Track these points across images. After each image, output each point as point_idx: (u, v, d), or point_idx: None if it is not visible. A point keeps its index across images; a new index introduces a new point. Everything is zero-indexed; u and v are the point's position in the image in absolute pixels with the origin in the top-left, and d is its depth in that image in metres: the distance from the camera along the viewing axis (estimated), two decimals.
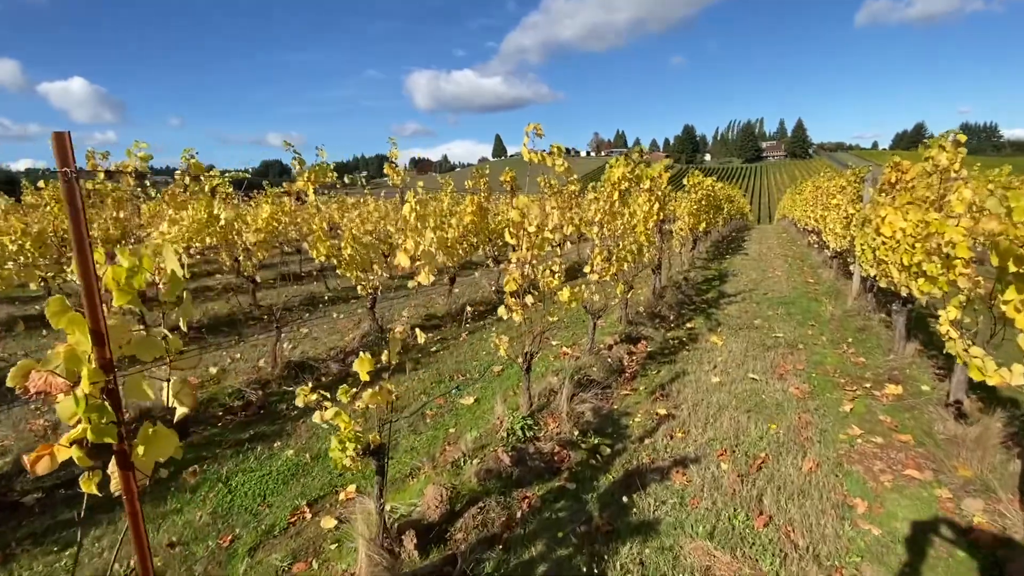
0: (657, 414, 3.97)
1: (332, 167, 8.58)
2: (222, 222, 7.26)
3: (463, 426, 3.84)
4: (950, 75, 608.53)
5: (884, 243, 5.15)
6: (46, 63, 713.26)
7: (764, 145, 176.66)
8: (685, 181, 10.75)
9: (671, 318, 7.05)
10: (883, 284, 5.04)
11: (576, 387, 4.31)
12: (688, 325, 6.67)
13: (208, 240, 7.55)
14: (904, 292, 4.67)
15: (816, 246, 12.38)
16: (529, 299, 3.53)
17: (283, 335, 6.69)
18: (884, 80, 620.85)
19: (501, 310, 3.51)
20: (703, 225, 11.84)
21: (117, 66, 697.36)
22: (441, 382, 4.78)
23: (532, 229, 3.51)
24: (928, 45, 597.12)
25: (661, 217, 7.80)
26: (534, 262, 3.51)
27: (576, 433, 3.56)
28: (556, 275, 3.76)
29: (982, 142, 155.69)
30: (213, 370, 5.25)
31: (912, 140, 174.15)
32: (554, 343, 5.95)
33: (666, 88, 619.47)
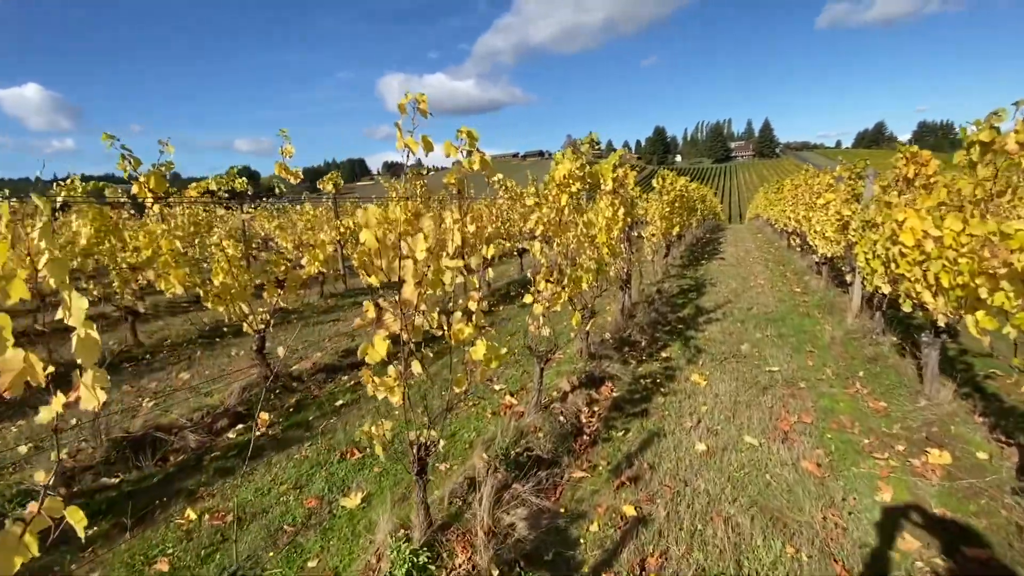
0: (622, 516, 2.74)
1: (236, 170, 7.17)
2: (83, 242, 5.82)
3: (330, 555, 2.54)
4: (907, 75, 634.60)
5: (903, 254, 4.07)
6: None
7: (733, 145, 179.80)
8: (655, 182, 9.68)
9: (643, 344, 5.88)
10: (907, 308, 3.94)
11: (511, 470, 3.06)
12: (663, 354, 5.50)
13: (78, 263, 6.09)
14: (943, 321, 3.56)
15: (799, 249, 11.47)
16: (416, 367, 2.26)
17: (156, 382, 5.27)
18: (845, 80, 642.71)
19: (369, 386, 2.23)
20: (677, 229, 10.79)
21: (74, 72, 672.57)
22: (327, 464, 3.45)
23: (421, 255, 2.25)
24: (886, 46, 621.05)
25: (628, 223, 6.67)
26: (423, 307, 2.24)
27: (496, 574, 2.30)
28: (470, 320, 2.50)
29: (939, 139, 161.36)
30: (24, 449, 3.82)
31: (873, 139, 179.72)
32: (497, 388, 4.70)
33: (637, 90, 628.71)
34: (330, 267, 5.35)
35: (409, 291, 2.25)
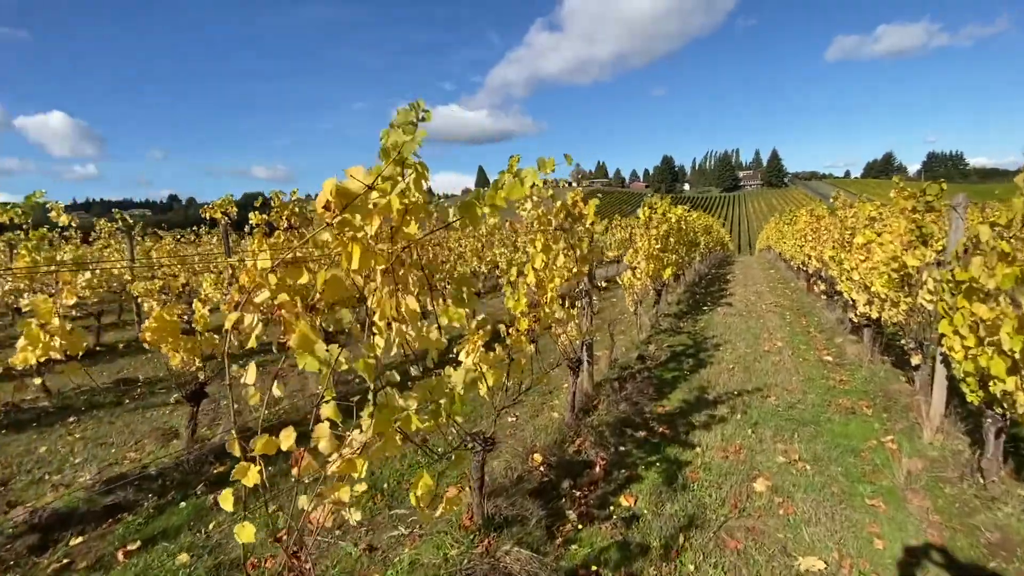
0: None
1: (42, 193, 5.25)
2: None
3: None
4: (916, 106, 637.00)
5: None
6: (24, 97, 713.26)
7: (741, 174, 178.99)
8: (640, 212, 7.60)
9: (597, 470, 3.68)
10: None
11: None
12: (623, 500, 3.27)
13: None
14: None
15: (824, 296, 9.23)
16: None
17: None
18: (853, 111, 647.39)
19: None
20: (669, 271, 8.61)
21: (99, 100, 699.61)
22: None
23: None
24: (895, 78, 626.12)
25: (585, 271, 4.57)
26: None
27: None
28: None
29: (949, 169, 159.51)
30: None
31: (882, 169, 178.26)
32: None
33: (647, 120, 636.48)
34: (72, 348, 3.22)
35: None
